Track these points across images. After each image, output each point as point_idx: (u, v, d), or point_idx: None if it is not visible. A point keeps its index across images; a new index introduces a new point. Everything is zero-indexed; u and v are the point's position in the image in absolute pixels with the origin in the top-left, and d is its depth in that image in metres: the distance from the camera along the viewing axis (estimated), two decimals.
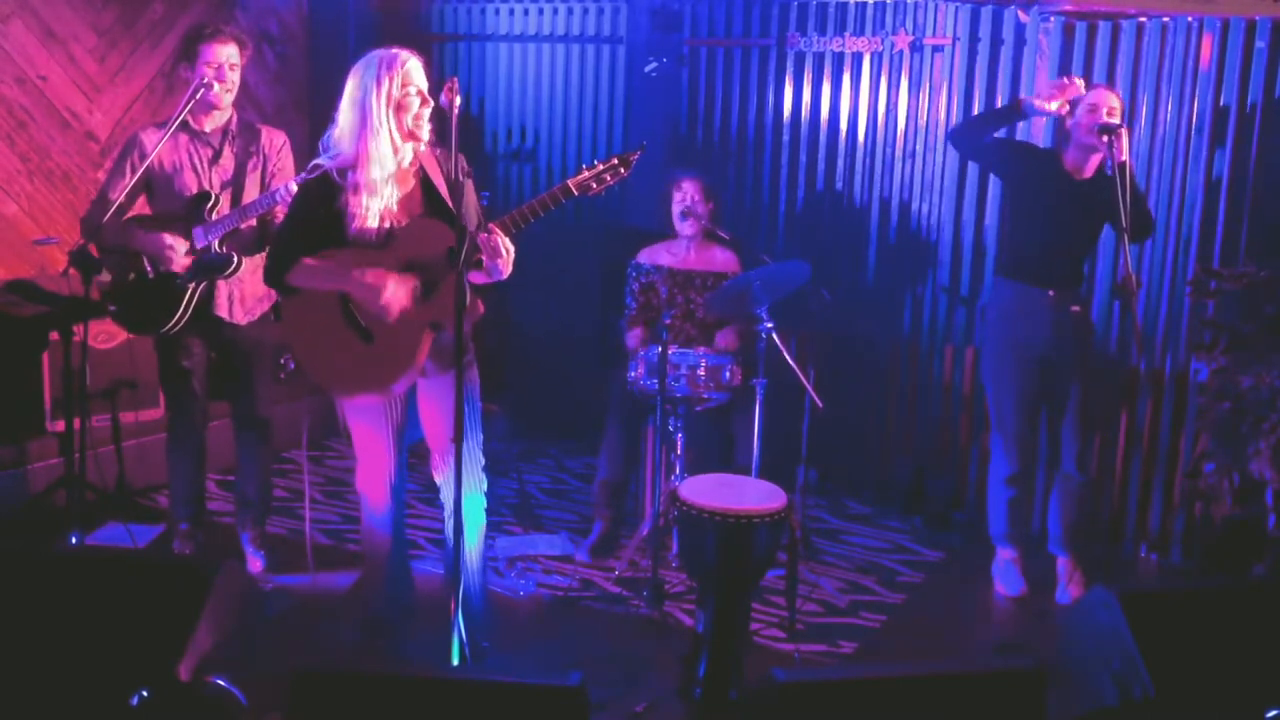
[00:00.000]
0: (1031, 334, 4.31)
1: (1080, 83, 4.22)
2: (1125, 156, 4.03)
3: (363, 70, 3.26)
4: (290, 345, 3.47)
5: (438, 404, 3.49)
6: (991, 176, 5.03)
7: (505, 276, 3.32)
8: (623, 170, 3.26)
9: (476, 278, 3.40)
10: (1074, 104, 4.24)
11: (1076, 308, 4.32)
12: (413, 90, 3.25)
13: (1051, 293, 4.27)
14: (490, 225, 3.23)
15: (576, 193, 3.25)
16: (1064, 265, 4.32)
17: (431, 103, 3.28)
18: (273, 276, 3.37)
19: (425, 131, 3.32)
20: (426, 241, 3.27)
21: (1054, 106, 4.18)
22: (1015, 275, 4.36)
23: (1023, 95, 4.49)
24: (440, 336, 3.32)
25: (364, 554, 3.71)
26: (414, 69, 3.27)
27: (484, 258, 3.23)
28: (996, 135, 4.43)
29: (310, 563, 4.24)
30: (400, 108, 3.25)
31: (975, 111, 5.11)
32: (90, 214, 4.12)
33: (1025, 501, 4.55)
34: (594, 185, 3.25)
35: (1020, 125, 5.00)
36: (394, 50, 3.28)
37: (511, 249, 3.25)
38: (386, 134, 3.24)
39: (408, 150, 3.34)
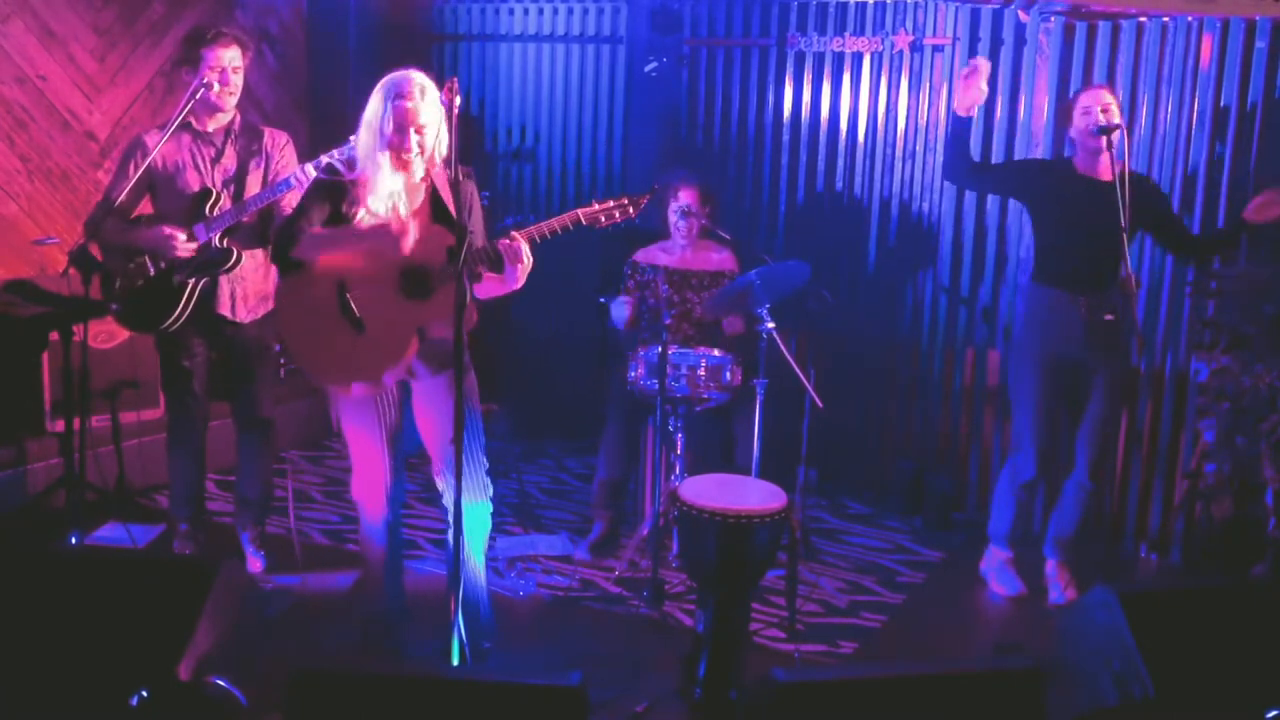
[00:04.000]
0: (1061, 341, 4.28)
1: (978, 60, 4.24)
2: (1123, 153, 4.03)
3: (377, 90, 3.30)
4: (283, 336, 3.49)
5: (434, 408, 3.49)
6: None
7: (518, 286, 3.36)
8: (631, 210, 3.32)
9: (490, 288, 3.43)
10: (1070, 107, 4.25)
11: (1110, 316, 4.20)
12: (407, 124, 3.25)
13: (1083, 299, 4.22)
14: (513, 233, 3.27)
15: (585, 222, 3.30)
16: (1094, 269, 4.21)
17: (425, 133, 3.29)
18: (277, 252, 3.41)
19: (419, 168, 3.33)
20: (427, 246, 3.30)
21: (972, 96, 4.21)
22: (1047, 281, 4.33)
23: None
24: (430, 339, 3.34)
25: (361, 558, 3.71)
26: (417, 109, 3.24)
27: (505, 261, 3.27)
28: (991, 162, 4.48)
29: (299, 561, 4.26)
30: (394, 138, 3.26)
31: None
32: (93, 215, 4.13)
33: (1031, 505, 4.53)
34: (602, 219, 3.31)
35: (1019, 141, 5.02)
36: (408, 79, 3.27)
37: (531, 260, 3.28)
38: (388, 161, 3.29)
39: (418, 167, 3.35)
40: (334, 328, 3.36)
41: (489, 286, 3.45)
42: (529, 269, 3.30)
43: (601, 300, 4.92)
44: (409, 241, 3.26)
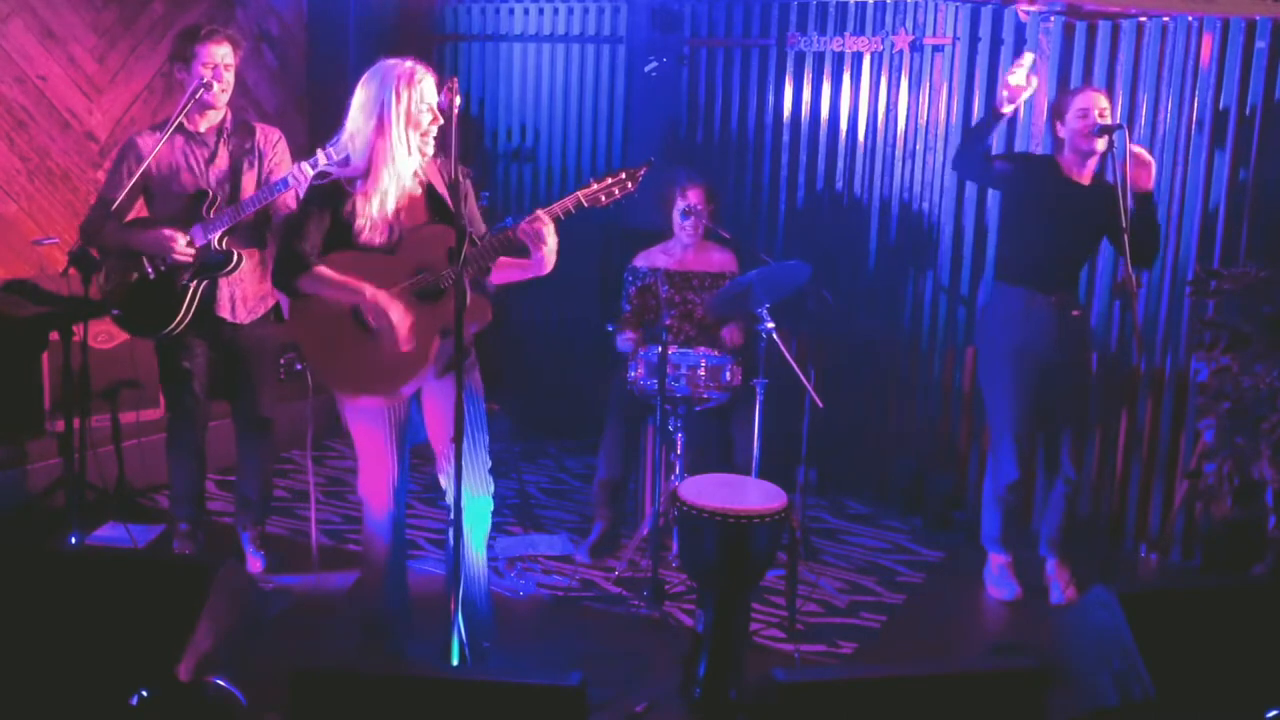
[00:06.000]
0: (1033, 339, 4.30)
1: (1024, 72, 4.12)
2: (1138, 148, 4.03)
3: (378, 81, 3.27)
4: (298, 344, 3.47)
5: (441, 406, 3.49)
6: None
7: (545, 270, 3.34)
8: (630, 185, 3.27)
9: (509, 274, 3.43)
10: (1062, 106, 4.25)
11: (1077, 312, 4.32)
12: (426, 108, 3.28)
13: (1053, 298, 4.28)
14: (536, 213, 3.25)
15: (587, 204, 3.26)
16: (1065, 270, 4.32)
17: (441, 120, 3.31)
18: (281, 280, 3.37)
19: (430, 148, 3.35)
20: (433, 247, 3.31)
21: (1025, 94, 4.13)
22: (1017, 280, 4.35)
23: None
24: (446, 340, 3.34)
25: (363, 557, 3.71)
26: (429, 87, 3.29)
27: (529, 245, 3.26)
28: (995, 153, 4.44)
29: (315, 562, 4.26)
30: (415, 124, 3.27)
31: (975, 112, 5.12)
32: (89, 219, 4.14)
33: (1021, 506, 4.54)
34: (602, 199, 3.27)
35: (1019, 142, 5.02)
36: (409, 63, 3.29)
37: (554, 239, 3.27)
38: (403, 147, 3.27)
39: (416, 161, 3.36)
40: (350, 337, 3.34)
41: (508, 273, 3.44)
42: (554, 249, 3.28)
43: (609, 328, 4.92)
44: (401, 336, 3.26)
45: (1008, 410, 4.38)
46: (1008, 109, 4.14)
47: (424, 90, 3.27)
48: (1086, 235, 4.31)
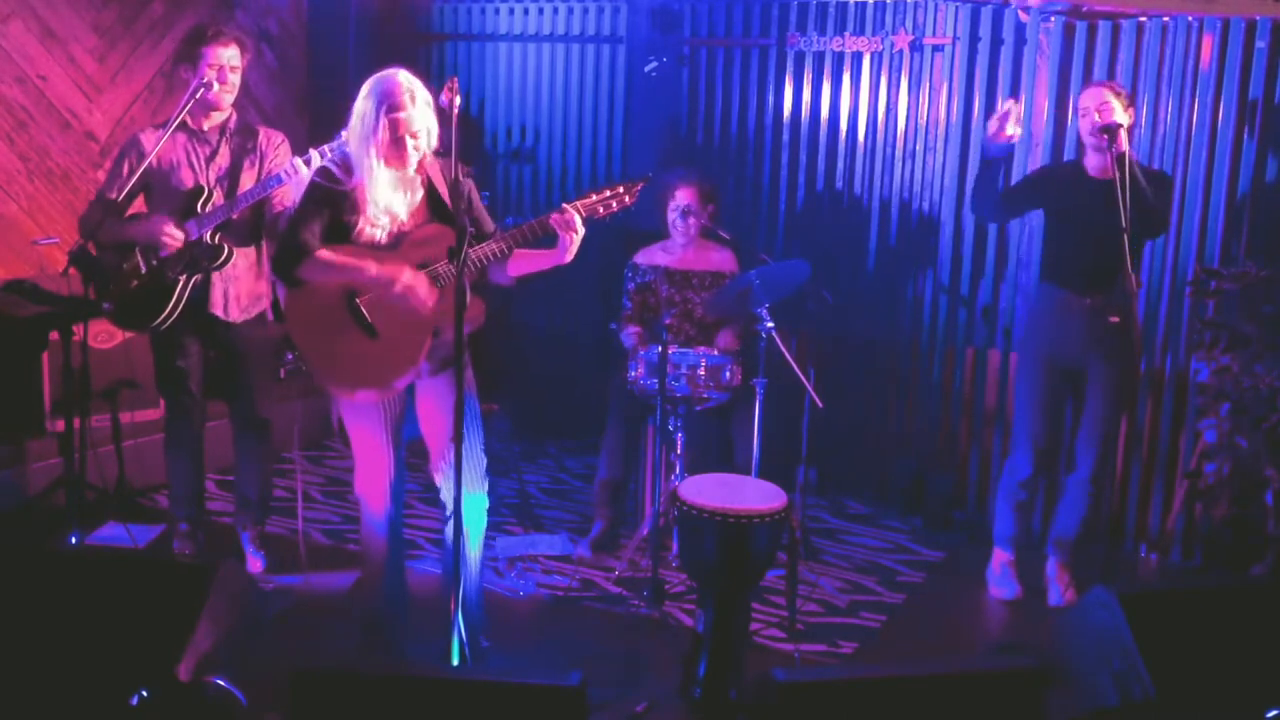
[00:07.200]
0: (1064, 340, 4.28)
1: (1011, 103, 4.15)
2: (1124, 148, 3.99)
3: (367, 95, 3.27)
4: (293, 340, 3.49)
5: (436, 404, 3.50)
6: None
7: (568, 259, 3.37)
8: (627, 199, 3.33)
9: (532, 264, 3.46)
10: (1075, 106, 4.24)
11: (1115, 318, 4.15)
12: (412, 128, 3.25)
13: (1088, 301, 4.22)
14: (564, 205, 3.30)
15: (584, 215, 3.29)
16: (1099, 271, 4.18)
17: (425, 149, 3.31)
18: (282, 267, 3.37)
19: (415, 160, 3.32)
20: (432, 246, 3.32)
21: (1009, 132, 4.12)
22: (1053, 280, 4.33)
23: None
24: (438, 339, 3.35)
25: (362, 556, 3.70)
26: (410, 118, 3.24)
27: (559, 232, 3.29)
28: (1014, 186, 4.49)
29: (303, 562, 4.26)
30: (398, 143, 3.25)
31: (975, 112, 5.12)
32: (88, 213, 4.14)
33: (1031, 504, 4.54)
34: (600, 210, 3.31)
35: (1018, 141, 4.99)
36: (402, 81, 3.26)
37: (583, 229, 3.30)
38: (383, 162, 3.28)
39: (405, 172, 3.36)
40: (345, 333, 3.35)
41: (528, 263, 3.46)
42: (580, 239, 3.31)
43: (612, 326, 4.93)
44: (422, 294, 3.28)
45: (1028, 410, 4.38)
46: (1001, 139, 4.13)
47: (412, 113, 3.25)
48: (1114, 233, 4.20)
